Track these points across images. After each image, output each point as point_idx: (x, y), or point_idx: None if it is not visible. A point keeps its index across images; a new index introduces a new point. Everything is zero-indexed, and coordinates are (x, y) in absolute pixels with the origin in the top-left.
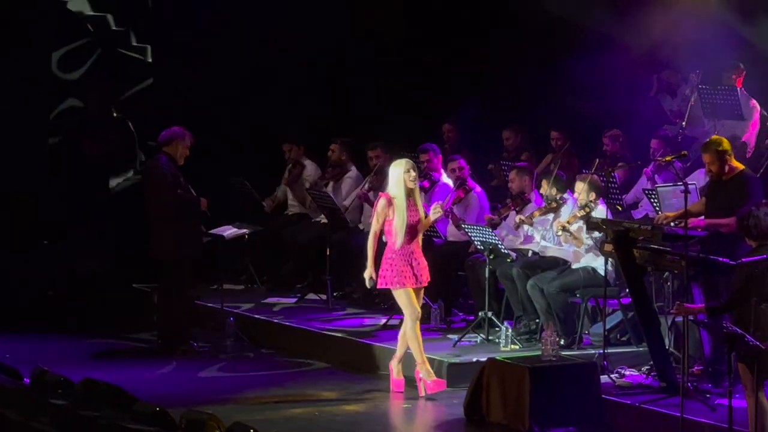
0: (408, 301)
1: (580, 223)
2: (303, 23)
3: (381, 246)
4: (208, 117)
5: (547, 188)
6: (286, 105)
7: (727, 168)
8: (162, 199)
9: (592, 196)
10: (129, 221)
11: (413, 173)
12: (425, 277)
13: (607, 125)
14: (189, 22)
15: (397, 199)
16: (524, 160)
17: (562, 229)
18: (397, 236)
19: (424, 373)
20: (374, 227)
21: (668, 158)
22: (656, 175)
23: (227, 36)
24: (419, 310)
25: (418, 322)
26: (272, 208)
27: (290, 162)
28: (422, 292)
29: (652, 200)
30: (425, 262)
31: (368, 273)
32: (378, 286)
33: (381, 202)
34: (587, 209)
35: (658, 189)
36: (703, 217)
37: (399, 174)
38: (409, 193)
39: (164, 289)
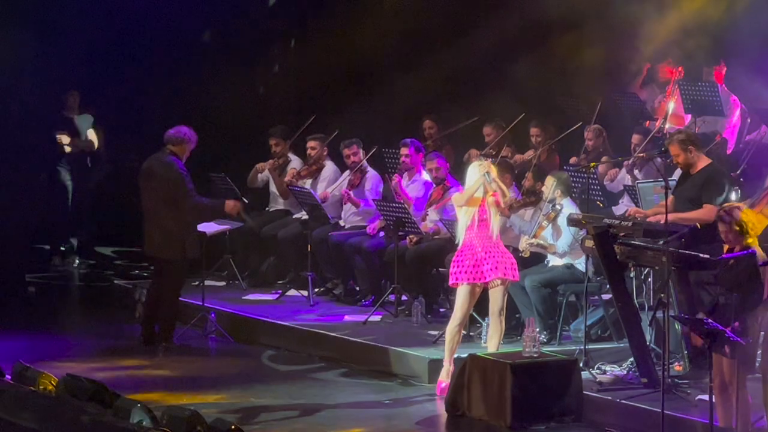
0: (458, 300)
1: (550, 230)
2: (283, 17)
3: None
4: (189, 112)
5: (532, 181)
6: (267, 101)
7: (693, 160)
8: (181, 202)
9: (558, 193)
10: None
11: (492, 175)
12: (498, 272)
13: (588, 121)
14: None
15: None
16: (505, 155)
17: (530, 245)
18: (459, 235)
19: (443, 374)
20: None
21: (649, 154)
22: (636, 170)
23: (211, 29)
24: (461, 317)
25: (459, 326)
26: (251, 183)
27: (276, 156)
28: (498, 285)
29: (632, 196)
30: (504, 258)
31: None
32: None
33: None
34: (552, 215)
35: (639, 185)
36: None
37: (478, 176)
38: (485, 194)
39: (157, 287)
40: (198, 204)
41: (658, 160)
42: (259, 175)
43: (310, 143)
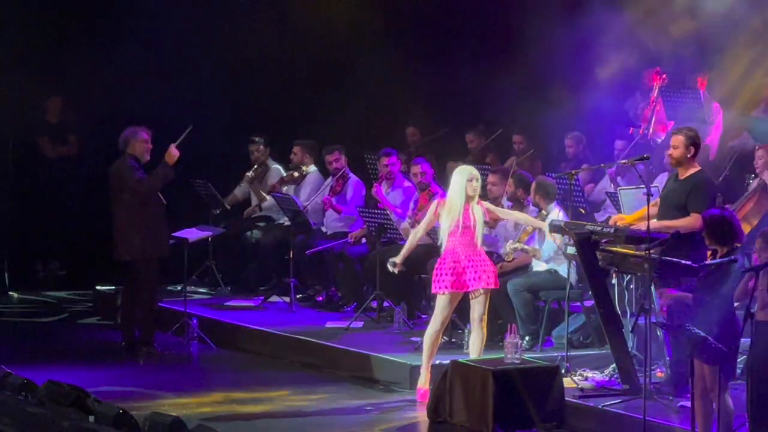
0: (438, 307)
1: (536, 235)
2: (267, 22)
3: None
4: (170, 118)
5: (513, 187)
6: (250, 106)
7: (687, 160)
8: (131, 190)
9: (538, 198)
10: (93, 223)
11: (475, 183)
12: (480, 282)
13: (569, 128)
14: (153, 19)
15: (454, 205)
16: (488, 163)
17: (515, 249)
18: (442, 239)
19: (422, 380)
20: (420, 231)
21: (631, 160)
22: (619, 177)
23: (191, 33)
24: (440, 323)
25: (438, 332)
26: (231, 204)
27: (256, 162)
28: (480, 295)
29: (615, 203)
30: (486, 267)
31: (395, 259)
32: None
33: (432, 207)
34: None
35: (621, 191)
36: (655, 219)
37: (462, 181)
38: (468, 200)
39: (129, 290)
40: (151, 183)
41: (640, 166)
42: (238, 189)
43: (294, 148)
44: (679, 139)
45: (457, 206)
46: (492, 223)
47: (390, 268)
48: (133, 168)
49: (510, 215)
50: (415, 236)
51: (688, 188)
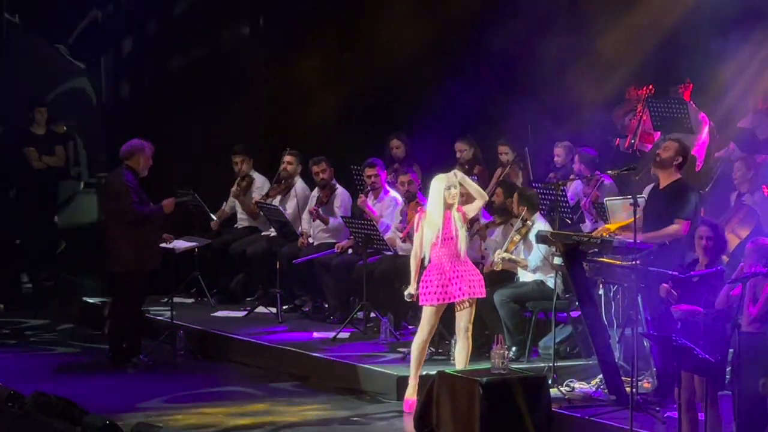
0: (425, 317)
1: (521, 245)
2: (254, 32)
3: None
4: (157, 129)
5: (502, 197)
6: (235, 117)
7: (669, 168)
8: (122, 212)
9: (522, 209)
10: (79, 234)
11: (453, 190)
12: (467, 292)
13: (558, 138)
14: (139, 30)
15: (432, 214)
16: (477, 174)
17: (503, 259)
18: (425, 252)
19: (409, 391)
20: (417, 251)
21: (617, 171)
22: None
23: (177, 45)
24: (427, 333)
25: (425, 342)
26: (218, 225)
27: (240, 174)
28: (465, 306)
29: (601, 213)
30: (472, 276)
31: (408, 290)
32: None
33: (415, 221)
34: (524, 230)
35: (607, 202)
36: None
37: (439, 190)
38: (448, 208)
39: (117, 301)
40: (139, 214)
41: (608, 179)
42: (226, 204)
43: (287, 158)
44: (672, 144)
45: (436, 217)
46: (484, 234)
47: (407, 299)
48: (129, 186)
49: (471, 188)
50: (415, 258)
51: (667, 196)
